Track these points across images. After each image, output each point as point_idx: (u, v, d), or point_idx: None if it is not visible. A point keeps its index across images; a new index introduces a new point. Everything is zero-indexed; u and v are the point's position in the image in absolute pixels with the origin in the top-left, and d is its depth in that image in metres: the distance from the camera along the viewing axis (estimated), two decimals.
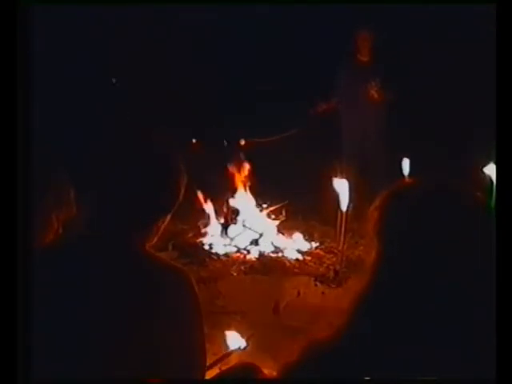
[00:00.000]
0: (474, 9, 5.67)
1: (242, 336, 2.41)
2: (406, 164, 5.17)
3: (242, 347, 2.34)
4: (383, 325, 1.27)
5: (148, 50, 7.76)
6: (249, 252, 5.42)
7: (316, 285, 4.75)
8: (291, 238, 5.69)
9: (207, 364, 1.88)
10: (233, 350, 2.33)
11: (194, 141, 7.31)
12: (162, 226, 1.82)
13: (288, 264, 5.20)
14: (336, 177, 4.79)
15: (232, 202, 5.81)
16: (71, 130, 6.08)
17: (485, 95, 2.81)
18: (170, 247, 5.30)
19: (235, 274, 4.98)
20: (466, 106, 7.17)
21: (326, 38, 7.82)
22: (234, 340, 2.37)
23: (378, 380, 1.24)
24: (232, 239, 5.60)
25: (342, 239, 4.84)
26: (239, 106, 8.10)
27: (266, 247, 5.49)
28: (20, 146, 1.57)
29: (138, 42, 7.62)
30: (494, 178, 3.85)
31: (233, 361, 2.32)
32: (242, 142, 6.28)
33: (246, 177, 5.88)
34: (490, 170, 4.01)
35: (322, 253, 5.47)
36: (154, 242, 1.82)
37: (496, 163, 1.55)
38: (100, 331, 1.62)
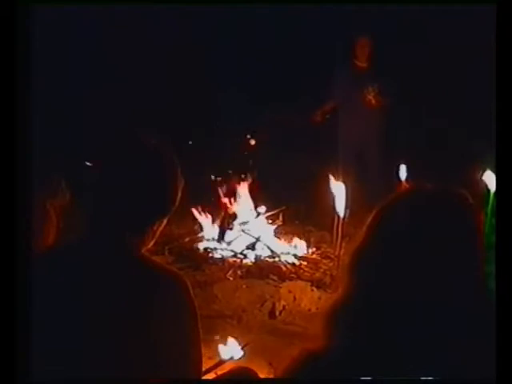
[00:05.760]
0: (474, 10, 5.65)
1: (238, 344, 2.40)
2: (403, 169, 5.17)
3: (237, 357, 2.34)
4: (381, 326, 1.27)
5: (148, 50, 7.77)
6: (245, 256, 5.41)
7: (312, 290, 4.74)
8: (288, 242, 5.68)
9: (203, 369, 1.88)
10: (226, 359, 2.33)
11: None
12: (159, 230, 1.81)
13: (284, 269, 5.19)
14: (333, 182, 4.79)
15: (229, 207, 5.80)
16: (69, 132, 6.08)
17: (485, 98, 2.81)
18: (167, 251, 5.29)
19: (231, 279, 4.97)
20: (466, 109, 7.18)
21: (324, 44, 7.84)
22: (230, 349, 2.37)
23: (378, 381, 1.23)
24: (229, 244, 5.59)
25: (338, 244, 4.84)
26: (237, 109, 8.10)
27: (262, 252, 5.48)
28: (19, 149, 1.57)
29: (138, 41, 7.62)
30: (493, 182, 3.85)
31: (229, 365, 2.31)
32: (252, 142, 6.27)
33: (243, 181, 5.87)
34: (490, 174, 4.01)
35: (318, 258, 5.47)
36: (150, 245, 1.81)
37: (496, 167, 1.54)
38: (96, 334, 1.61)
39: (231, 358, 2.34)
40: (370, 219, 1.38)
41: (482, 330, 1.26)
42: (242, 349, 2.37)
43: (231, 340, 2.41)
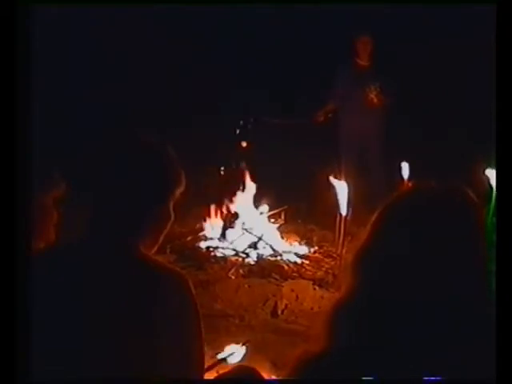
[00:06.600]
0: (474, 9, 5.65)
1: (239, 343, 2.41)
2: (405, 168, 5.17)
3: (238, 356, 2.34)
4: (384, 326, 1.27)
5: (148, 50, 7.77)
6: (247, 255, 5.41)
7: (314, 289, 4.74)
8: (290, 241, 5.68)
9: (205, 369, 1.88)
10: (224, 358, 2.33)
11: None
12: (161, 230, 1.81)
13: (286, 268, 5.19)
14: (335, 181, 4.79)
15: (231, 206, 5.80)
16: (69, 132, 6.08)
17: (485, 98, 2.81)
18: (168, 250, 5.29)
19: (233, 278, 4.97)
20: (466, 108, 7.17)
21: (325, 42, 7.83)
22: (231, 348, 2.37)
23: (378, 381, 1.23)
24: (231, 242, 5.59)
25: (340, 243, 4.84)
26: (237, 108, 8.09)
27: (264, 251, 5.48)
28: (19, 149, 1.57)
29: (138, 41, 7.63)
30: (494, 181, 3.86)
31: (231, 365, 2.31)
32: (244, 145, 6.27)
33: (245, 180, 5.87)
34: (491, 173, 4.02)
35: (320, 257, 5.47)
36: (155, 249, 1.81)
37: (496, 167, 1.54)
38: (98, 334, 1.61)
39: (233, 358, 2.34)
40: (373, 218, 1.37)
41: (483, 330, 1.26)
42: (243, 345, 2.37)
43: (233, 339, 2.41)
